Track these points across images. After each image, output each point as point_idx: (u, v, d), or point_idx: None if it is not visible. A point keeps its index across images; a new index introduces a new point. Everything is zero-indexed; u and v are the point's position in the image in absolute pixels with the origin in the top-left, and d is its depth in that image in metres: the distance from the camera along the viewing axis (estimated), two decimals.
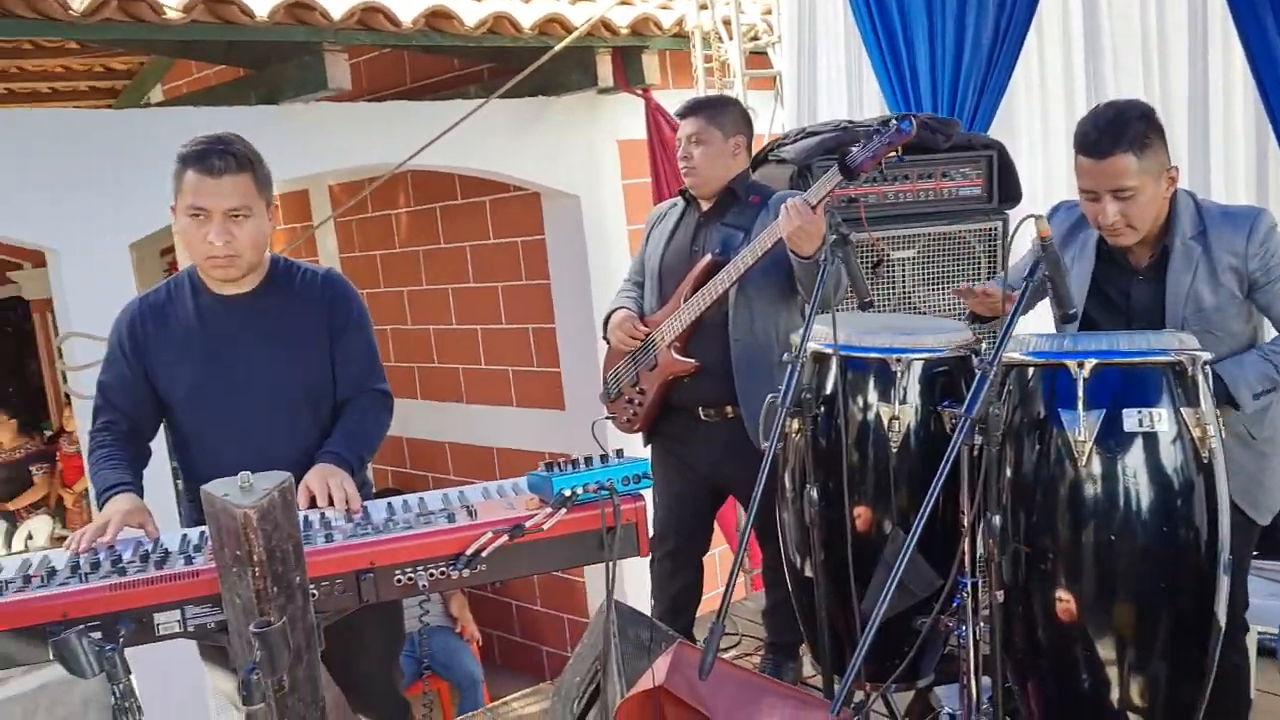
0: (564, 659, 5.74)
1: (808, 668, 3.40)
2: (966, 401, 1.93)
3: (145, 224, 4.05)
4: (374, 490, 2.79)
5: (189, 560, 1.93)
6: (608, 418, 3.34)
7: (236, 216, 2.29)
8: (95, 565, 1.93)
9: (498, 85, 4.55)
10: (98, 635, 1.80)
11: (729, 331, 3.02)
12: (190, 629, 1.87)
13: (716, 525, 3.59)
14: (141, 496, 2.32)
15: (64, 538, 7.01)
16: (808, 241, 2.76)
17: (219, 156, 2.25)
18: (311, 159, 4.52)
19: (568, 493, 1.99)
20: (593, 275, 5.21)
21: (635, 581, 3.81)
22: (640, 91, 5.10)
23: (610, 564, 2.00)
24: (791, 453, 2.58)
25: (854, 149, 2.64)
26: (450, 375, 6.06)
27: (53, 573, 1.93)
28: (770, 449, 2.30)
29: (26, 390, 12.57)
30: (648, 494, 2.11)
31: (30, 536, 7.39)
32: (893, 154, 2.58)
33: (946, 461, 1.88)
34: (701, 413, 3.13)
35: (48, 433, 9.45)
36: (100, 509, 2.28)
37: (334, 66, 4.14)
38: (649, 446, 3.33)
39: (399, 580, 1.94)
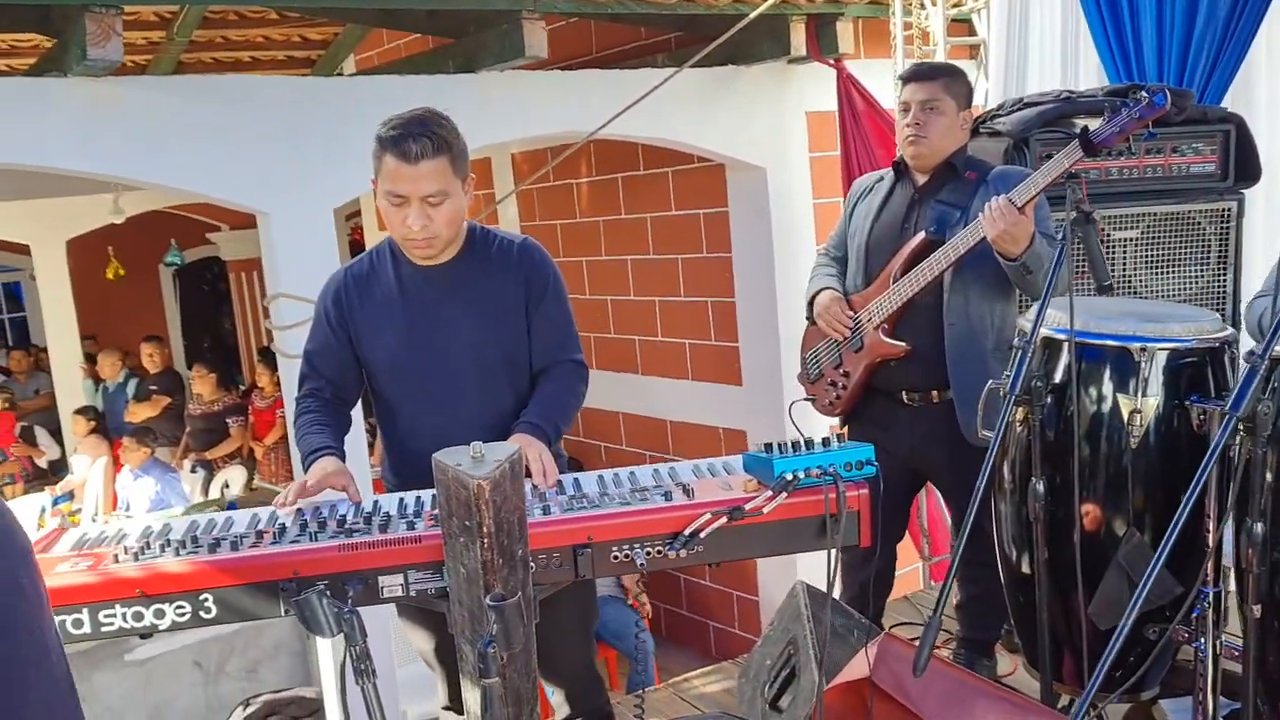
0: (731, 636, 5.73)
1: (1004, 665, 3.26)
2: (1232, 398, 1.77)
3: (349, 189, 4.16)
4: (566, 459, 2.78)
5: (410, 526, 1.95)
6: (806, 399, 3.25)
7: (433, 201, 2.30)
8: (322, 525, 1.97)
9: (685, 54, 4.49)
10: (327, 595, 1.84)
11: (943, 315, 2.89)
12: (412, 593, 1.88)
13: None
14: (341, 458, 2.36)
15: (257, 489, 7.37)
16: (1013, 244, 2.62)
17: (415, 140, 2.24)
18: (506, 127, 4.56)
19: (789, 476, 1.92)
20: (776, 249, 5.11)
21: (816, 565, 3.74)
22: (832, 61, 4.95)
23: (832, 552, 1.93)
24: (1012, 443, 2.45)
25: (1099, 123, 2.46)
26: (626, 346, 6.06)
27: (283, 530, 1.98)
28: (996, 438, 2.18)
29: (222, 346, 13.26)
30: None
31: (226, 485, 7.77)
32: (1142, 130, 2.40)
33: (1208, 463, 1.72)
34: (905, 397, 3.02)
35: (241, 387, 9.94)
36: (306, 470, 2.32)
37: (532, 34, 4.15)
38: (846, 429, 3.23)
39: (616, 557, 1.92)
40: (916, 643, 2.13)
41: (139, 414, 8.53)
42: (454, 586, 1.81)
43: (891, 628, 3.74)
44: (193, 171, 3.91)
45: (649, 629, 5.29)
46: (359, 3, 4.42)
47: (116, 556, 1.88)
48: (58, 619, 1.81)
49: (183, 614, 1.83)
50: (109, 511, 7.69)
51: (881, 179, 3.18)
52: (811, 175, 5.21)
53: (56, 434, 9.66)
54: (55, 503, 8.05)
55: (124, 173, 3.88)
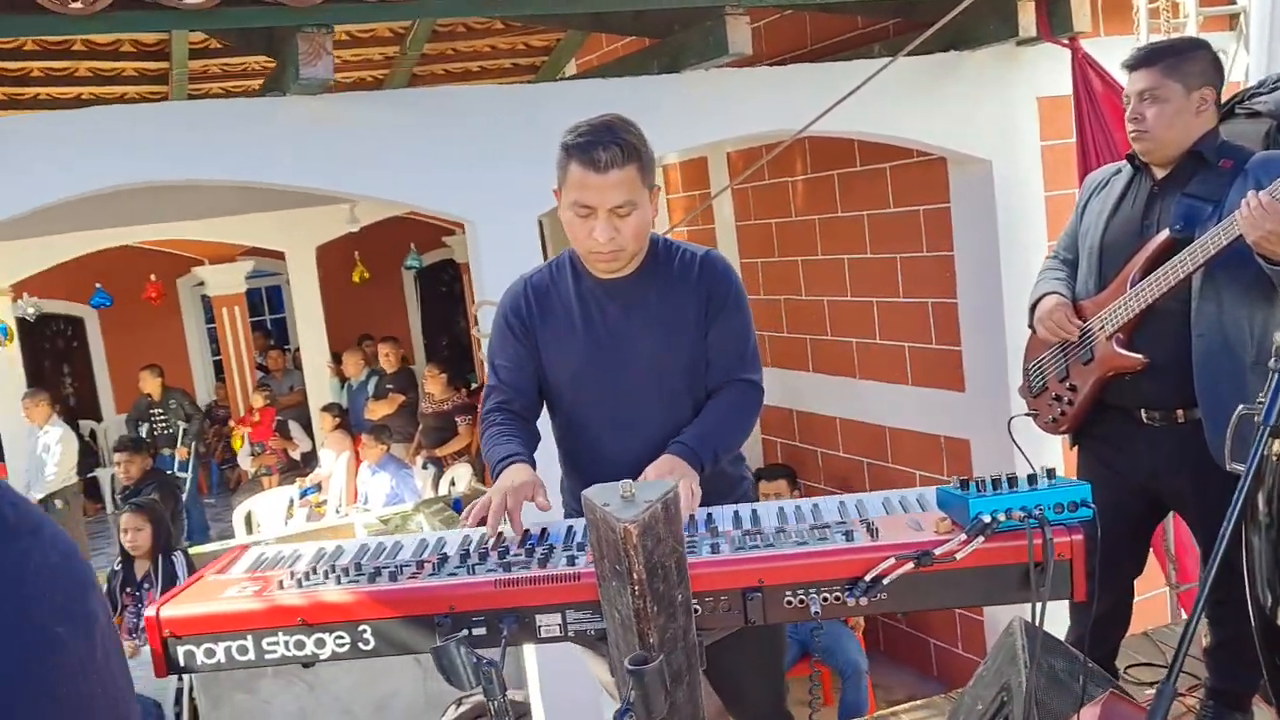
0: (954, 657, 5.40)
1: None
2: None
3: (552, 196, 4.14)
4: (751, 484, 2.62)
5: (572, 560, 1.85)
6: (1028, 414, 2.96)
7: (621, 212, 2.18)
8: (483, 556, 1.90)
9: (903, 42, 4.22)
10: (481, 631, 1.77)
11: (1189, 324, 2.55)
12: (571, 634, 1.78)
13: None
14: (532, 465, 2.27)
15: (480, 492, 7.55)
16: (1278, 245, 2.27)
17: (604, 148, 2.13)
18: (710, 126, 4.42)
19: (986, 518, 1.70)
20: (1003, 247, 4.75)
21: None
22: (1067, 41, 4.54)
23: (1037, 607, 1.69)
24: (1269, 472, 2.11)
25: None
26: (843, 349, 5.82)
27: (444, 560, 1.92)
28: (1249, 470, 1.87)
29: (455, 345, 13.82)
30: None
31: (453, 483, 8.02)
32: None
33: None
34: (1144, 415, 2.68)
35: (473, 385, 10.28)
36: (495, 481, 2.26)
37: (735, 31, 3.99)
38: (1075, 449, 2.92)
39: (789, 602, 1.75)
40: (1149, 704, 1.86)
41: (376, 411, 8.94)
42: (611, 631, 1.69)
43: (1127, 669, 3.38)
44: (403, 183, 3.98)
45: (863, 645, 5.04)
46: (570, 8, 4.39)
47: (282, 582, 1.87)
48: (224, 644, 1.81)
49: (342, 644, 1.80)
50: (350, 504, 8.10)
51: (1118, 172, 2.84)
52: (1043, 166, 4.81)
53: (308, 429, 10.28)
54: (303, 494, 8.55)
55: (337, 186, 3.99)
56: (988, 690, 2.63)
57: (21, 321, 9.33)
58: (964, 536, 1.70)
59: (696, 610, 1.71)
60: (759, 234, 6.32)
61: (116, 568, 5.34)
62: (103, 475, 11.09)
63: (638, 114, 2.33)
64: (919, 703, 3.61)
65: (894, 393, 5.51)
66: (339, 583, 1.84)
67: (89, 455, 10.31)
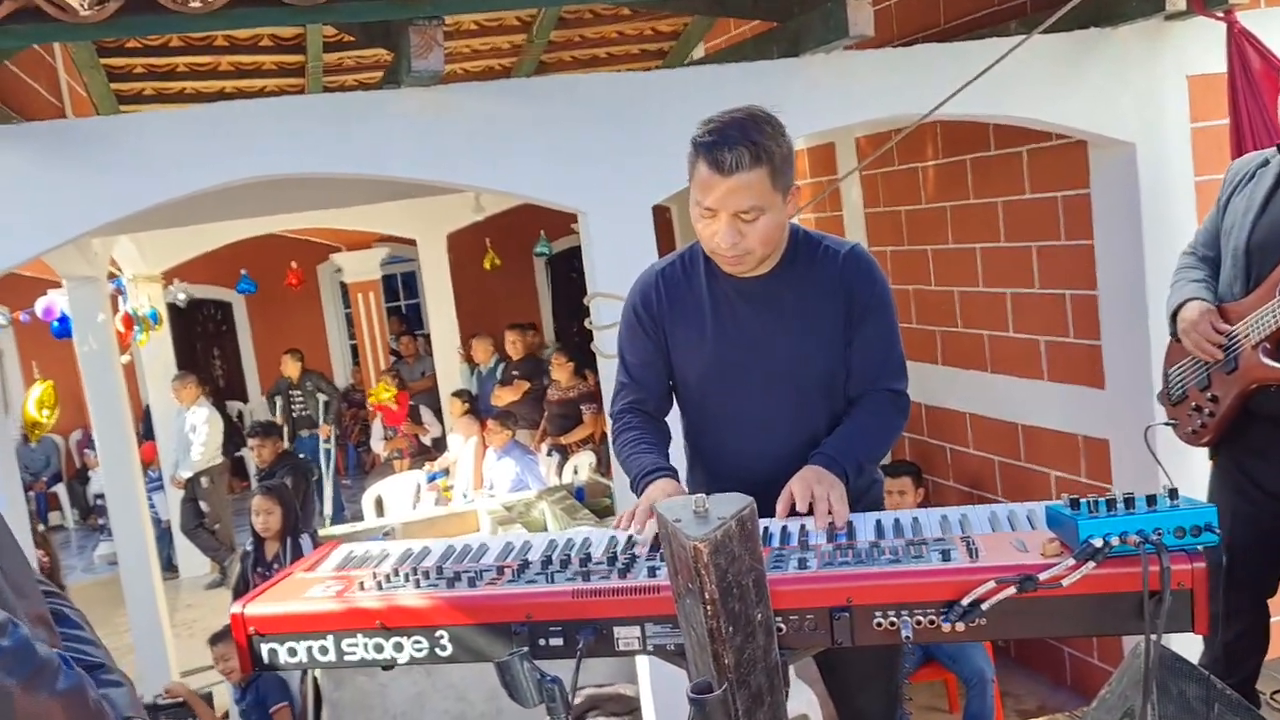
0: (1089, 667, 5.13)
1: None
2: None
3: (667, 185, 4.06)
4: (882, 485, 2.49)
5: (653, 572, 1.78)
6: (1167, 423, 2.75)
7: (746, 217, 2.08)
8: (564, 564, 1.85)
9: (1040, 19, 3.99)
10: (558, 642, 1.72)
11: None
12: (649, 647, 1.72)
13: None
14: (676, 479, 2.21)
15: (600, 482, 7.56)
16: None
17: (731, 148, 2.02)
18: (833, 112, 4.27)
19: (1097, 542, 1.56)
20: (1147, 236, 4.47)
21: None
22: (1221, 14, 4.23)
23: (1151, 640, 1.55)
24: None
25: None
26: (974, 341, 5.59)
27: (524, 566, 1.88)
28: None
29: (586, 334, 13.91)
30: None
31: (576, 471, 8.05)
32: None
33: None
34: None
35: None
36: (638, 493, 2.19)
37: (856, 12, 3.84)
38: (1213, 460, 2.70)
39: (879, 624, 1.65)
40: None
41: (502, 398, 9.04)
42: (688, 648, 1.62)
43: (1273, 694, 3.14)
44: (516, 174, 3.97)
45: (990, 653, 4.83)
46: None
47: (363, 584, 1.85)
48: (305, 644, 1.81)
49: (420, 649, 1.78)
50: (477, 489, 8.21)
51: (1265, 163, 2.60)
52: (1193, 149, 4.50)
53: (439, 414, 10.48)
54: (431, 479, 8.72)
55: (451, 178, 4.00)
56: (1110, 715, 2.46)
57: (173, 307, 9.75)
58: (1072, 561, 1.57)
59: (780, 629, 1.63)
60: (887, 221, 6.12)
61: (249, 548, 5.52)
62: (248, 455, 11.54)
63: (757, 100, 2.22)
64: None
65: (1028, 388, 5.26)
66: (418, 587, 1.82)
67: (236, 435, 10.73)
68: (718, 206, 2.07)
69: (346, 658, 1.80)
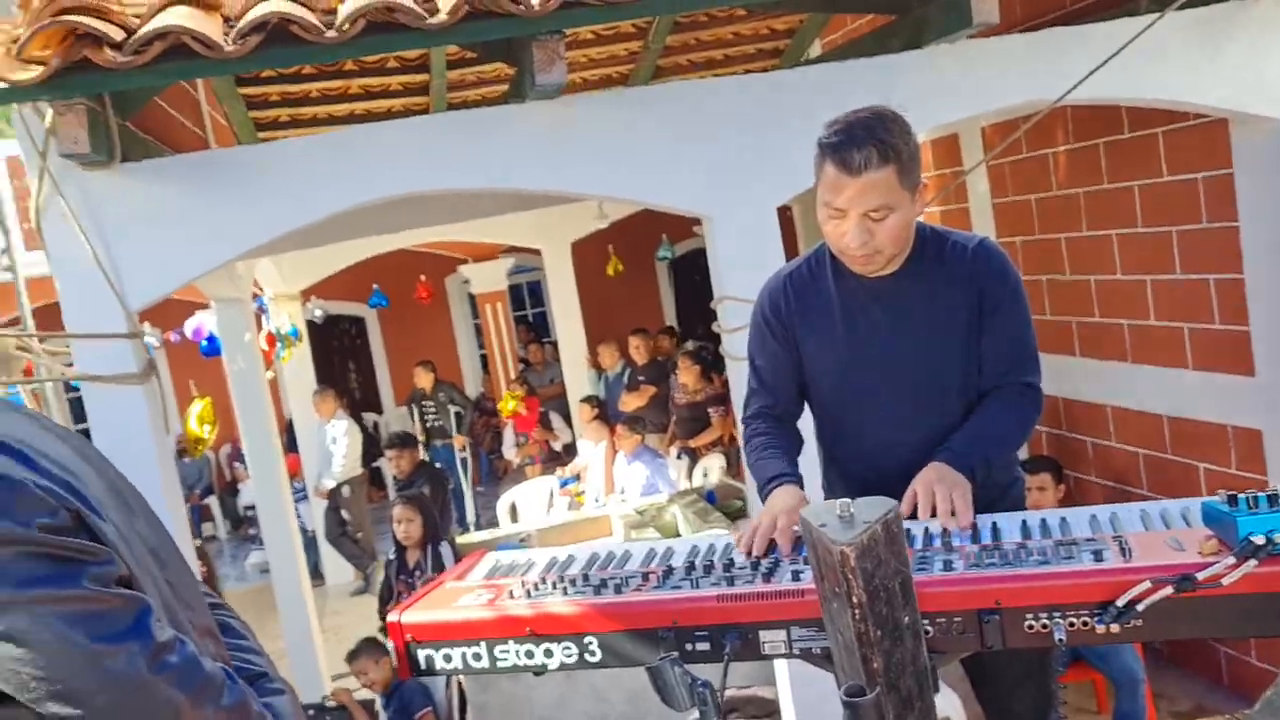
0: (1248, 667, 4.91)
1: None
2: None
3: (792, 186, 4.06)
4: (1023, 485, 2.45)
5: (796, 576, 1.78)
6: None
7: (875, 216, 2.08)
8: (708, 569, 1.87)
9: None
10: (704, 646, 1.74)
11: None
12: (796, 651, 1.73)
13: None
14: (802, 487, 2.21)
15: (731, 486, 7.56)
16: None
17: (859, 148, 2.02)
18: (959, 103, 4.20)
19: (1259, 540, 1.51)
20: None
21: None
22: None
23: None
24: None
25: None
26: (1113, 331, 5.41)
27: (669, 572, 1.91)
28: None
29: (714, 336, 13.90)
30: None
31: (706, 474, 8.07)
32: None
33: None
34: None
35: (726, 375, 10.29)
36: (763, 500, 2.22)
37: (980, 0, 3.77)
38: None
39: (1030, 626, 1.62)
40: None
41: (629, 403, 9.12)
42: (835, 652, 1.62)
43: None
44: (638, 181, 4.01)
45: (1141, 652, 4.67)
46: None
47: (512, 592, 1.91)
48: (460, 650, 1.87)
49: (570, 655, 1.82)
50: (608, 494, 8.30)
51: None
52: None
53: (568, 420, 10.63)
54: (563, 484, 8.85)
55: (576, 188, 4.07)
56: (1277, 718, 2.36)
57: (311, 324, 10.12)
58: (1232, 559, 1.52)
59: (927, 632, 1.62)
60: (1017, 211, 5.98)
61: (391, 556, 5.70)
62: (385, 465, 11.90)
63: (880, 95, 2.22)
64: None
65: (1172, 378, 5.07)
66: (565, 594, 1.86)
67: (373, 446, 11.07)
68: (847, 207, 2.08)
69: (499, 664, 1.85)
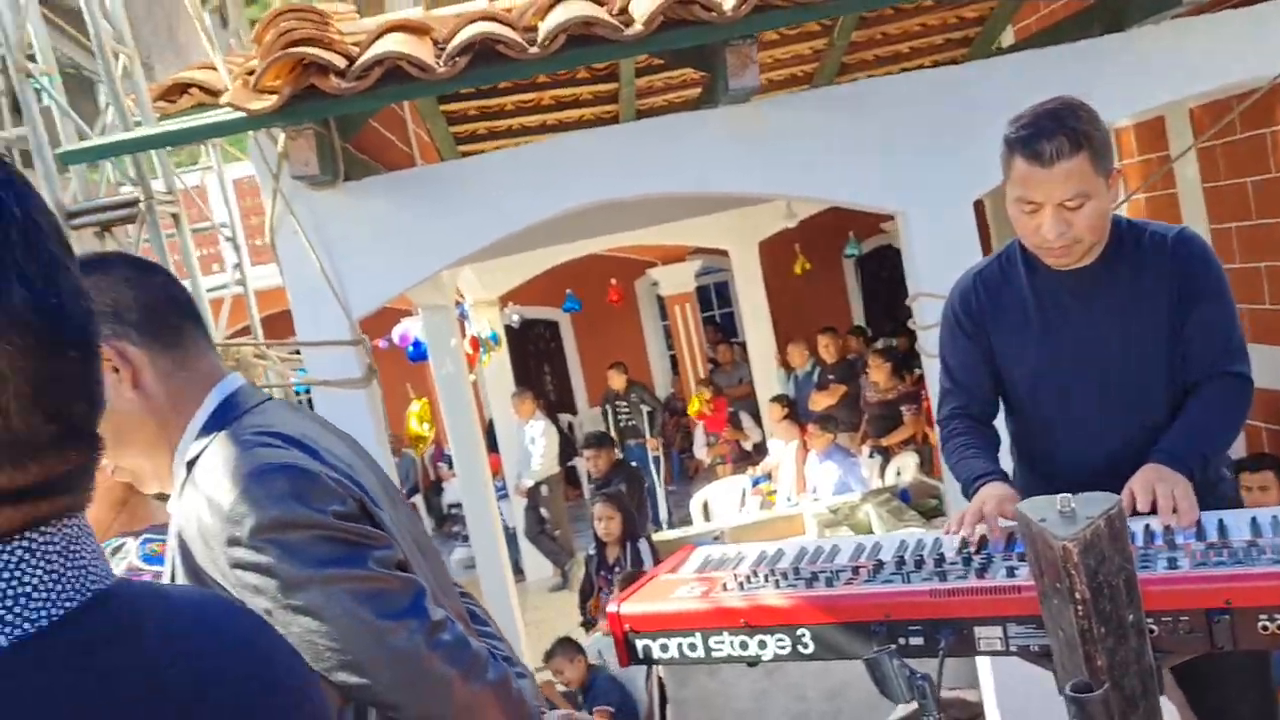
0: None
1: None
2: None
3: (989, 178, 3.98)
4: (1231, 483, 2.36)
5: (1011, 572, 1.78)
6: None
7: (1071, 205, 2.05)
8: (919, 564, 1.88)
9: None
10: (918, 641, 1.75)
11: None
12: (1012, 648, 1.72)
13: None
14: (1008, 482, 2.20)
15: (926, 484, 7.43)
16: None
17: (1048, 139, 2.01)
18: (1166, 85, 4.03)
19: None
20: None
21: None
22: None
23: None
24: None
25: None
26: None
27: (879, 566, 1.93)
28: None
29: (904, 333, 13.64)
30: None
31: (899, 473, 7.96)
32: None
33: None
34: None
35: (917, 372, 10.11)
36: (969, 499, 2.21)
37: None
38: None
39: (1265, 627, 1.57)
40: None
41: (819, 402, 9.07)
42: (1056, 650, 1.61)
43: None
44: (831, 180, 4.02)
45: None
46: None
47: (725, 585, 1.97)
48: (676, 640, 1.94)
49: (783, 647, 1.86)
50: (799, 493, 8.29)
51: None
52: None
53: (758, 419, 10.65)
54: (755, 483, 8.88)
55: (769, 189, 4.11)
56: None
57: (508, 328, 10.50)
58: None
59: (1152, 631, 1.59)
60: (1231, 195, 5.65)
61: (591, 552, 5.86)
62: (580, 464, 12.20)
63: (1080, 82, 2.18)
64: None
65: None
66: (778, 587, 1.91)
67: (567, 446, 11.37)
68: (1041, 199, 2.05)
69: (714, 654, 1.91)
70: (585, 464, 8.88)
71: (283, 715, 0.68)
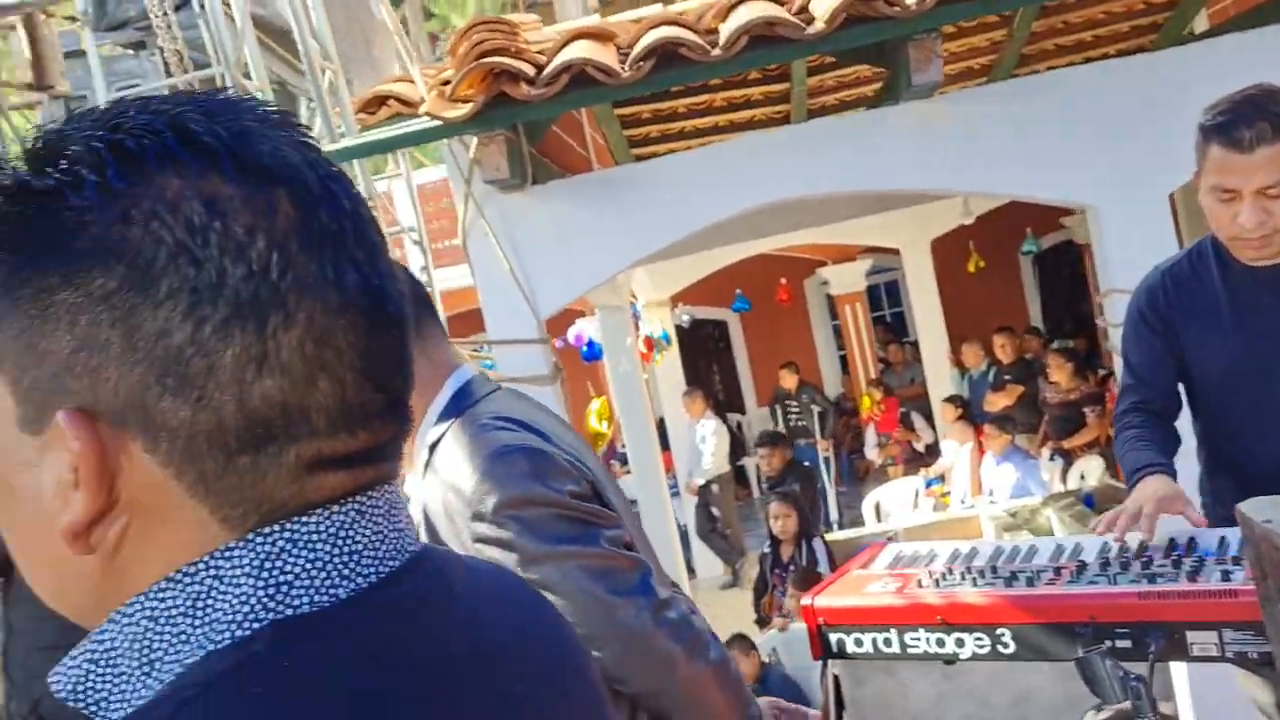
0: None
1: None
2: None
3: (1184, 171, 3.82)
4: None
5: (1226, 575, 1.72)
6: None
7: (1272, 193, 1.97)
8: (1125, 565, 1.84)
9: None
10: (1126, 644, 1.72)
11: None
12: (1228, 654, 1.67)
13: None
14: (1172, 476, 2.14)
15: (1112, 487, 7.15)
16: None
17: (1247, 125, 1.95)
18: None
19: None
20: None
21: None
22: None
23: None
24: None
25: None
26: None
27: (1082, 567, 1.89)
28: None
29: (1083, 333, 13.14)
30: None
31: (1083, 476, 7.68)
32: None
33: None
34: None
35: (1101, 373, 9.74)
36: (1131, 489, 2.17)
37: None
38: None
39: None
40: None
41: (996, 403, 8.84)
42: (1278, 654, 1.56)
43: None
44: (1016, 175, 3.93)
45: None
46: None
47: (921, 581, 1.97)
48: (870, 635, 1.95)
49: (982, 646, 1.85)
50: (974, 495, 8.10)
51: None
52: None
53: (930, 420, 10.45)
54: (928, 485, 8.72)
55: (951, 186, 4.05)
56: None
57: (678, 328, 10.60)
58: None
59: None
60: None
61: (766, 550, 5.88)
62: (748, 464, 12.19)
63: None
64: None
65: None
66: (975, 585, 1.90)
67: (736, 446, 11.39)
68: (1239, 186, 1.98)
69: (909, 651, 1.92)
70: (757, 463, 8.89)
71: (582, 675, 0.74)
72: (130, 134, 0.57)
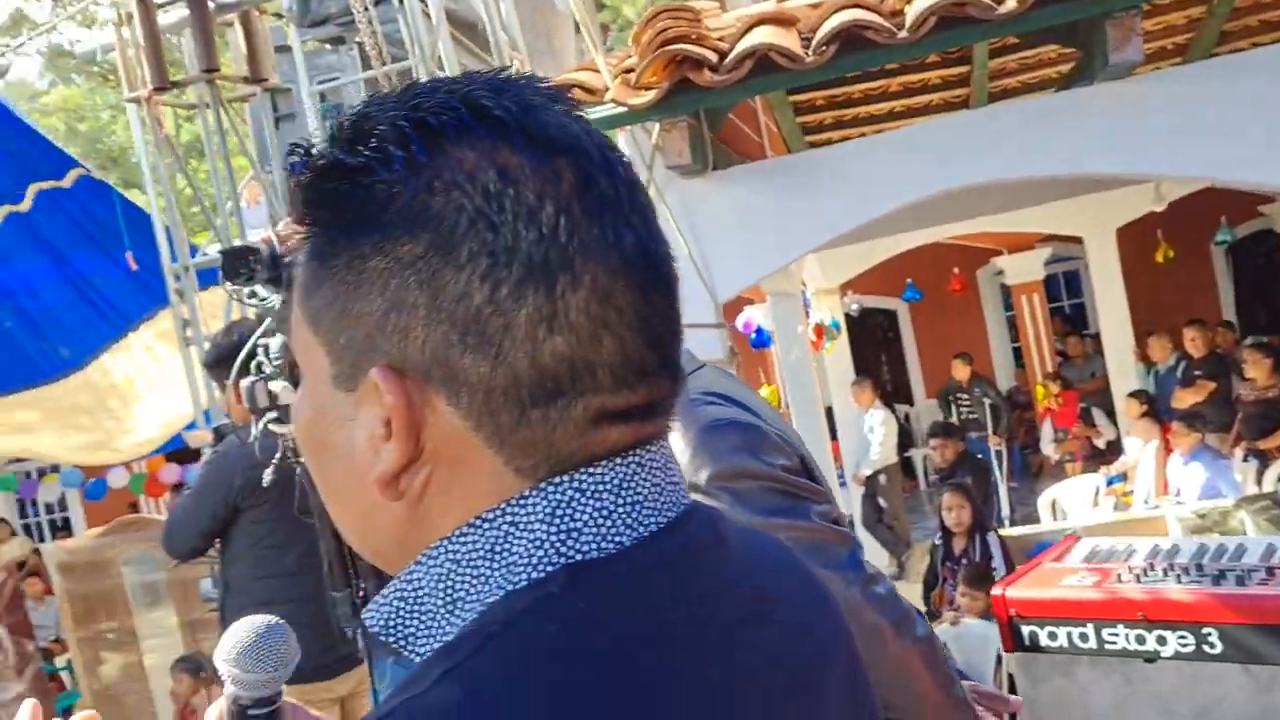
0: None
1: None
2: None
3: None
4: None
5: None
6: None
7: None
8: None
9: None
10: None
11: None
12: None
13: None
14: None
15: None
16: None
17: None
18: None
19: None
20: None
21: None
22: None
23: None
24: None
25: None
26: None
27: None
28: None
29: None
30: None
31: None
32: None
33: None
34: None
35: None
36: None
37: None
38: None
39: None
40: None
41: (1184, 400, 8.42)
42: None
43: None
44: (1224, 158, 3.73)
45: None
46: None
47: (1120, 576, 1.91)
48: (1065, 629, 1.91)
49: (1185, 645, 1.79)
50: (1160, 495, 7.74)
51: None
52: None
53: (1111, 416, 10.03)
54: (1109, 483, 8.38)
55: (1153, 169, 3.89)
56: None
57: (847, 317, 10.47)
58: None
59: None
60: None
61: (937, 542, 5.77)
62: (915, 455, 11.96)
63: None
64: None
65: None
66: (1179, 581, 1.83)
67: (904, 437, 11.19)
68: None
69: (1106, 646, 1.87)
70: (925, 454, 8.72)
71: (838, 620, 0.76)
72: (430, 112, 0.61)
